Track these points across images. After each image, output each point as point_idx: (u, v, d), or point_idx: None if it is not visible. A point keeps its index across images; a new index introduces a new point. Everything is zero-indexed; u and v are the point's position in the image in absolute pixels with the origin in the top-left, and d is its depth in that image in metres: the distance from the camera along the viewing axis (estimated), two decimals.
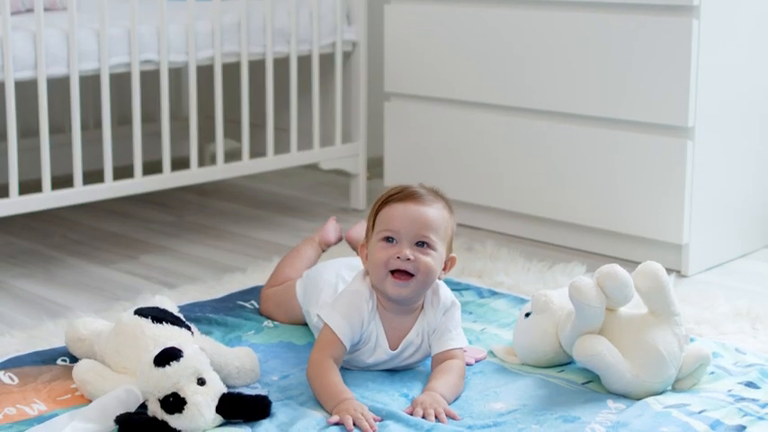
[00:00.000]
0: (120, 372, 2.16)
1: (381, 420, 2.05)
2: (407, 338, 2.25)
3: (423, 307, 2.26)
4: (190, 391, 1.99)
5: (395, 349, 2.25)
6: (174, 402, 1.98)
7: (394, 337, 2.25)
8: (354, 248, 2.84)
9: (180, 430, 1.98)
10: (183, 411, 1.97)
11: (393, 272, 2.18)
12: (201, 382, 2.02)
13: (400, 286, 2.18)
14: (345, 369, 2.26)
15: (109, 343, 2.22)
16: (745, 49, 3.06)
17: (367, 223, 2.28)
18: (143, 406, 2.04)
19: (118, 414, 1.99)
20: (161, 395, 1.99)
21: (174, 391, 1.99)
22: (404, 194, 2.22)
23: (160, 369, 2.00)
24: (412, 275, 2.18)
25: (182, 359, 2.01)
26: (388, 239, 2.19)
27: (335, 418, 2.02)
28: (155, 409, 2.00)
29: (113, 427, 1.99)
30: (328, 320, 2.21)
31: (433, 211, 2.20)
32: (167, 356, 2.01)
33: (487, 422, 2.05)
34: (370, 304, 2.22)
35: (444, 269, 2.25)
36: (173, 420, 1.98)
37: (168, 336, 2.17)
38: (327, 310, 2.23)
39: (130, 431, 1.97)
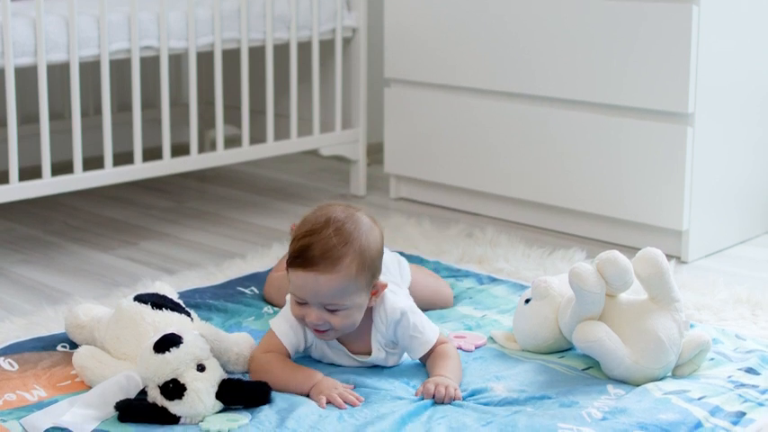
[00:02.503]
0: (120, 358, 2.16)
1: (354, 388, 2.11)
2: (373, 356, 2.22)
3: (373, 320, 2.21)
4: (189, 378, 1.99)
5: (358, 354, 2.23)
6: (174, 389, 1.98)
7: (356, 345, 2.23)
8: None
9: (180, 416, 1.98)
10: (183, 398, 1.98)
11: None
12: (201, 368, 2.02)
13: (321, 335, 2.18)
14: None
15: (109, 329, 2.22)
16: (744, 35, 3.05)
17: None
18: (143, 392, 2.04)
19: (118, 400, 1.99)
20: (161, 381, 1.99)
21: (174, 377, 1.99)
22: (308, 259, 2.09)
23: (160, 355, 2.00)
24: (329, 329, 2.16)
25: (181, 345, 2.01)
26: (300, 302, 2.15)
27: (324, 400, 2.04)
28: (155, 396, 2.00)
29: (113, 413, 1.99)
30: (274, 327, 2.21)
31: (333, 280, 2.09)
32: (167, 343, 2.01)
33: (483, 405, 2.06)
34: None
35: (374, 294, 2.18)
36: (172, 407, 1.98)
37: (168, 322, 2.18)
38: (276, 317, 2.23)
39: (130, 417, 1.98)
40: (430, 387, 2.08)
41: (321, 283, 2.09)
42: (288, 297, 2.22)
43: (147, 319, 2.18)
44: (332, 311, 2.12)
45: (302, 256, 2.10)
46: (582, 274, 2.14)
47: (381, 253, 2.19)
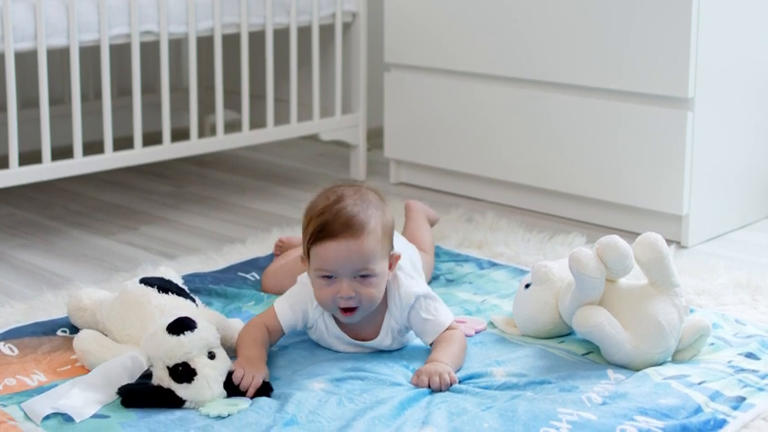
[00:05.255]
0: (124, 340, 2.17)
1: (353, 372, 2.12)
2: (379, 338, 2.23)
3: (387, 304, 2.22)
4: (201, 363, 1.99)
5: (360, 340, 2.24)
6: (184, 372, 1.98)
7: (363, 330, 2.23)
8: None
9: (185, 400, 1.98)
10: (193, 382, 1.98)
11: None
12: (212, 355, 2.02)
13: (349, 317, 2.18)
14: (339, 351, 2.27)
15: (112, 311, 2.22)
16: (745, 19, 3.05)
17: (302, 235, 2.20)
18: (145, 375, 2.04)
19: (121, 384, 1.99)
20: (171, 363, 1.98)
21: (185, 360, 1.99)
22: (336, 227, 2.11)
23: (174, 337, 1.99)
24: (358, 306, 2.16)
25: (195, 330, 2.01)
26: (327, 276, 2.14)
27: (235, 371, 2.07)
28: (161, 376, 1.99)
29: (116, 397, 1.99)
30: (276, 305, 2.23)
31: (363, 244, 2.11)
32: (182, 326, 2.01)
33: (483, 390, 2.06)
34: (315, 302, 2.21)
35: (390, 267, 2.20)
36: (180, 390, 1.98)
37: (174, 306, 2.18)
38: (281, 298, 2.25)
39: (134, 401, 1.97)
40: (424, 379, 2.07)
41: (352, 248, 2.11)
42: (300, 278, 2.24)
43: (153, 302, 2.18)
44: (363, 278, 2.12)
45: (326, 228, 2.12)
46: (582, 259, 2.14)
47: (393, 224, 2.23)
